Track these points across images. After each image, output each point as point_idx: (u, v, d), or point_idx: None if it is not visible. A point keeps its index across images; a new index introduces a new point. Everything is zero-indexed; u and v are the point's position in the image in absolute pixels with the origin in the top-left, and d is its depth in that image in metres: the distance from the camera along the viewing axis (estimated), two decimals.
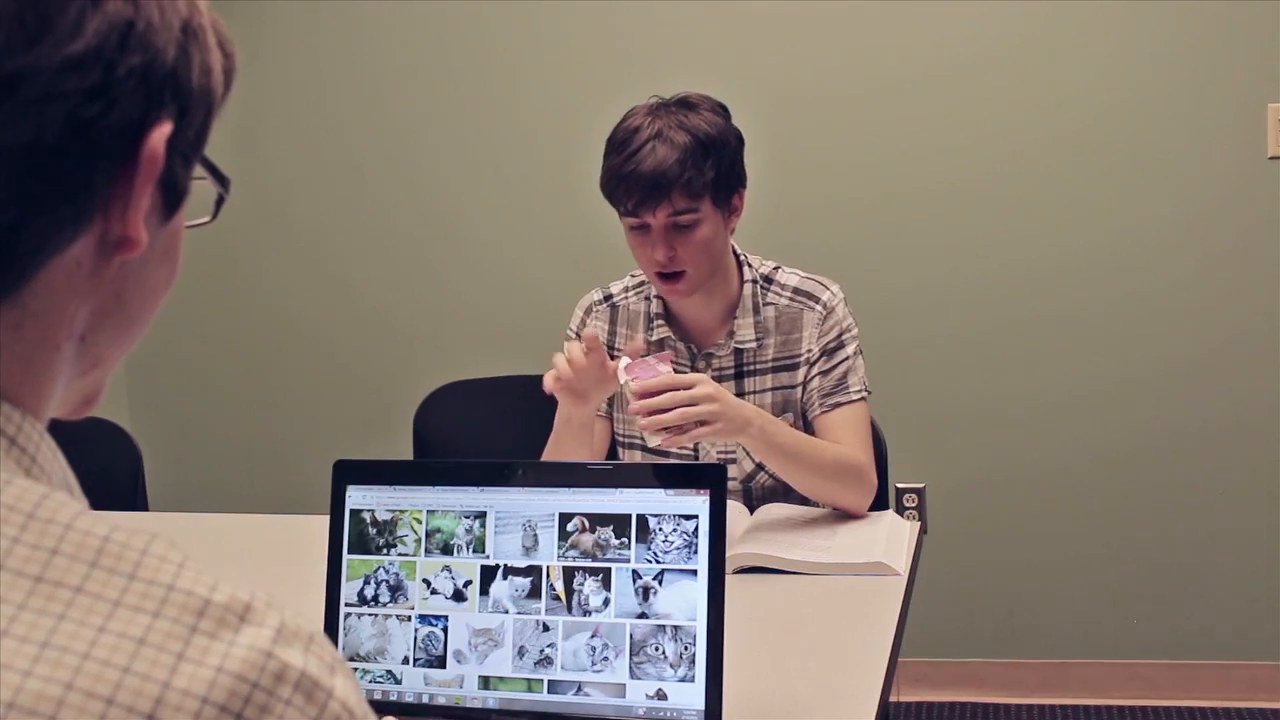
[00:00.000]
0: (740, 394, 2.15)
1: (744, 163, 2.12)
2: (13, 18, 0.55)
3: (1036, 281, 3.18)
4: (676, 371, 2.13)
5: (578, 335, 2.25)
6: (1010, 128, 3.16)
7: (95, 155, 0.58)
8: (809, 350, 2.15)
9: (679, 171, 1.99)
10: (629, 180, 2.01)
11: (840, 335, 2.15)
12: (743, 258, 2.19)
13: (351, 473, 1.42)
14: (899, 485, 2.19)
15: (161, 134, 0.60)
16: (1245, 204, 3.09)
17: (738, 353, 2.16)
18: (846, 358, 2.15)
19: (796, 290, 2.17)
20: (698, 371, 2.15)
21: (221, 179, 0.69)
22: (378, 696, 1.36)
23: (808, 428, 2.16)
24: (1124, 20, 3.08)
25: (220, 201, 0.71)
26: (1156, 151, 3.11)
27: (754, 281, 2.17)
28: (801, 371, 2.16)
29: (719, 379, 2.14)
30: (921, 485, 2.15)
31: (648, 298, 2.22)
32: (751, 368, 2.17)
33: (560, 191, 3.35)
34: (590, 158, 3.31)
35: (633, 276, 2.28)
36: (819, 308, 2.15)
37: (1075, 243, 3.16)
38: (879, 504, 2.15)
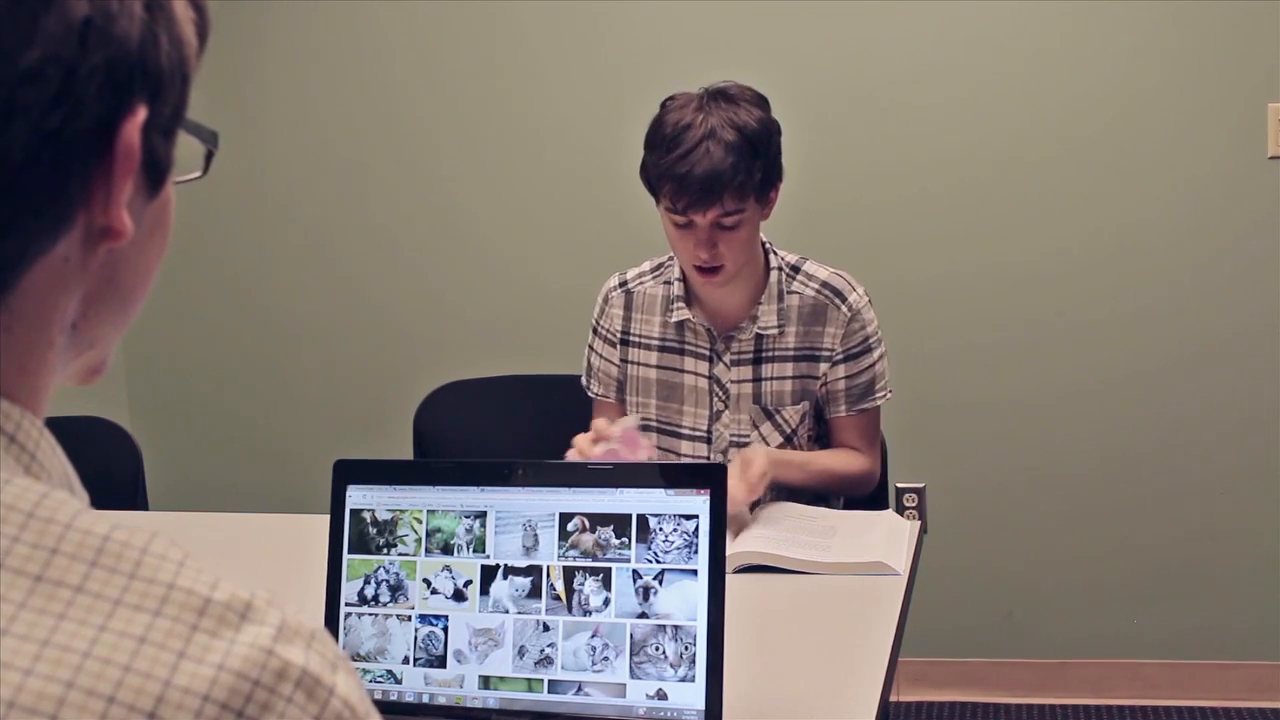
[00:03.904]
0: (758, 379, 2.21)
1: (781, 154, 2.13)
2: None
3: (1035, 281, 3.18)
4: (691, 354, 2.19)
5: (598, 325, 2.31)
6: (1006, 128, 3.15)
7: (67, 161, 0.56)
8: (831, 349, 2.19)
9: (732, 175, 2.01)
10: (682, 181, 2.02)
11: (866, 340, 2.20)
12: (768, 245, 2.22)
13: (351, 473, 1.42)
14: (899, 485, 2.20)
15: (135, 124, 0.58)
16: (1245, 204, 3.09)
17: (759, 338, 2.20)
18: (873, 363, 2.22)
19: (825, 284, 2.20)
20: (717, 353, 2.20)
21: (207, 137, 0.66)
22: (378, 696, 1.36)
23: (821, 419, 2.24)
24: (1124, 20, 3.08)
25: (209, 156, 0.68)
26: (1156, 151, 3.11)
27: (779, 269, 2.21)
28: (822, 367, 2.20)
29: (738, 362, 2.21)
30: (921, 485, 2.15)
31: (667, 281, 2.25)
32: (771, 353, 2.21)
33: (562, 191, 3.35)
34: (592, 157, 3.34)
35: (652, 261, 2.30)
36: (845, 309, 2.18)
37: (1075, 242, 3.16)
38: (879, 504, 2.16)
